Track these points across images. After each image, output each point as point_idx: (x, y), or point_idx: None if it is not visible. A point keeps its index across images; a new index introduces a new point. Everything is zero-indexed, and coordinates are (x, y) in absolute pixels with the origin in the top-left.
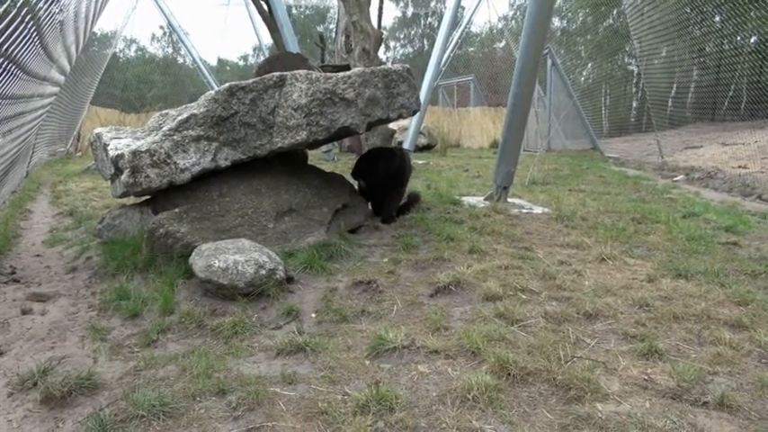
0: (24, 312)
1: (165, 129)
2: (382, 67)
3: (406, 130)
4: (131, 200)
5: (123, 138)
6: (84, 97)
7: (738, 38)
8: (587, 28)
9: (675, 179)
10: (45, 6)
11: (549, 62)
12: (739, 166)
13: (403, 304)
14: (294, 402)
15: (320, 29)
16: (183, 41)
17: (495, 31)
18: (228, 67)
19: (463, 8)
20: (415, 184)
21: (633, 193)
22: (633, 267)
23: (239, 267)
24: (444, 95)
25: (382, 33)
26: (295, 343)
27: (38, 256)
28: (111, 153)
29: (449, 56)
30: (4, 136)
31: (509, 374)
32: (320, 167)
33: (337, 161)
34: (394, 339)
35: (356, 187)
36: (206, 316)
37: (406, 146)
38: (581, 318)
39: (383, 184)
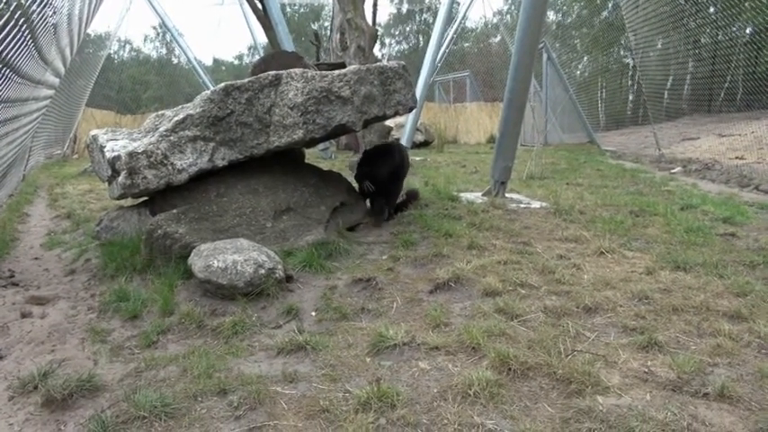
0: (24, 316)
1: (161, 130)
2: (378, 64)
3: (402, 127)
4: (129, 201)
5: (120, 139)
6: (80, 99)
7: (734, 29)
8: (582, 21)
9: (673, 171)
10: (38, 9)
11: (545, 56)
12: (736, 157)
13: (402, 301)
14: (295, 401)
15: (315, 27)
16: (177, 42)
17: (489, 26)
18: (224, 67)
19: (458, 4)
20: (412, 181)
21: (631, 186)
22: (632, 260)
23: (238, 267)
24: (441, 91)
25: (377, 30)
26: (295, 342)
27: (36, 259)
28: (108, 155)
29: (444, 52)
30: (1, 139)
31: (510, 369)
32: (318, 166)
33: (335, 159)
34: (394, 336)
35: (355, 186)
36: (206, 316)
37: (403, 142)
38: (580, 311)
39: (385, 182)
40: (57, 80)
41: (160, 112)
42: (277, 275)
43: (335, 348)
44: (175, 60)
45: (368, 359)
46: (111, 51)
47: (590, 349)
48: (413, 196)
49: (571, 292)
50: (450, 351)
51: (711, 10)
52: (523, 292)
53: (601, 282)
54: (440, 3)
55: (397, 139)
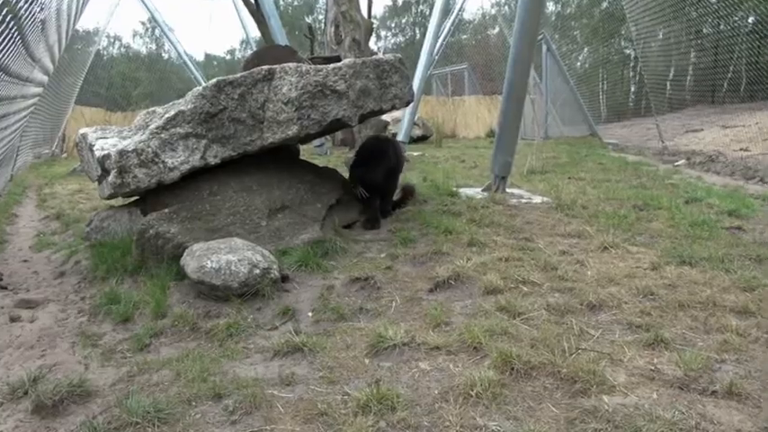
0: (13, 320)
1: (152, 127)
2: (374, 57)
3: (399, 122)
4: (119, 201)
5: (109, 137)
6: (69, 97)
7: (736, 18)
8: (582, 12)
9: (676, 164)
10: (26, 6)
11: (545, 48)
12: (741, 149)
13: (402, 300)
14: (293, 404)
15: (309, 20)
16: (167, 37)
17: (487, 17)
18: (216, 62)
19: None
20: (410, 177)
21: (634, 180)
22: (636, 255)
23: (232, 267)
24: (438, 85)
25: (372, 23)
26: (292, 343)
27: (25, 261)
28: (98, 153)
29: (441, 44)
30: None
31: (512, 369)
32: (313, 162)
33: (330, 155)
34: (393, 337)
35: (357, 193)
36: (200, 318)
37: (400, 137)
38: (584, 309)
39: (380, 183)
40: (45, 78)
41: (151, 109)
42: (272, 275)
43: (333, 350)
44: (166, 56)
45: (367, 360)
46: (100, 47)
47: (595, 347)
48: (409, 192)
49: (574, 288)
50: (452, 351)
51: None
52: (526, 289)
53: (605, 278)
54: None
55: (394, 135)
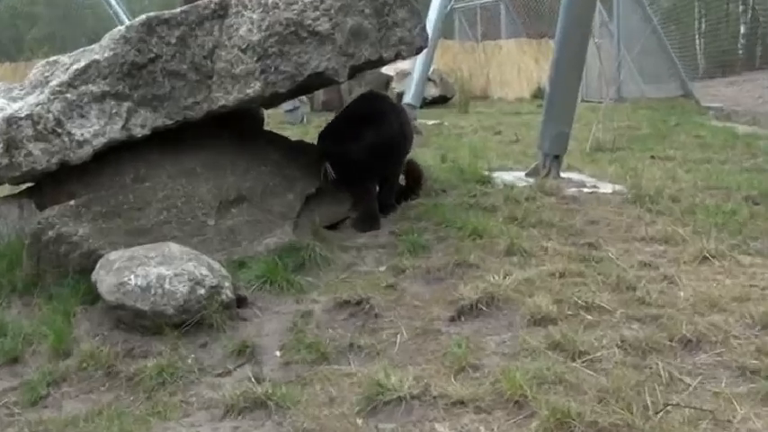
0: None
1: (53, 84)
2: None
3: (407, 77)
4: (7, 189)
5: None
6: None
7: None
8: None
9: None
10: None
11: None
12: None
13: (410, 334)
14: None
15: None
16: None
17: None
18: None
19: None
20: (423, 155)
21: (746, 160)
22: (750, 269)
23: (166, 285)
24: (463, 24)
25: None
26: (252, 395)
27: None
28: None
29: None
30: None
31: None
32: (283, 135)
33: (308, 124)
34: (398, 386)
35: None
36: (118, 358)
37: (408, 99)
38: (675, 346)
39: (367, 165)
40: None
41: (52, 59)
42: (224, 297)
43: (311, 405)
44: None
45: (359, 420)
46: None
47: (691, 402)
48: (416, 175)
49: (661, 317)
50: (482, 407)
51: None
52: (590, 318)
53: (704, 302)
54: None
55: (400, 96)
